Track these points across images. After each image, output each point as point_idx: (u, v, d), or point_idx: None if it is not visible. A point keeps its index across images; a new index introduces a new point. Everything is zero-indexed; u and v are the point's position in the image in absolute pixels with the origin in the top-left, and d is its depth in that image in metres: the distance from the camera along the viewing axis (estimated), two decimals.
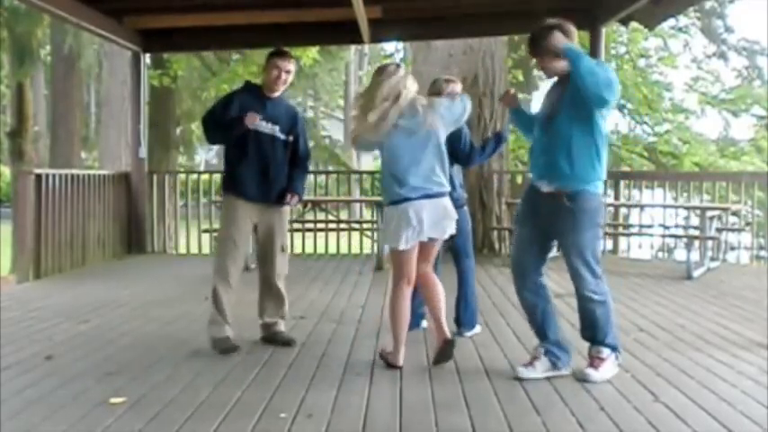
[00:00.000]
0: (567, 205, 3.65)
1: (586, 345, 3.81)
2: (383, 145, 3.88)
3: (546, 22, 3.70)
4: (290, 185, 4.46)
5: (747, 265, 9.13)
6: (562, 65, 3.62)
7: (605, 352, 3.73)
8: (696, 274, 7.17)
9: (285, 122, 4.43)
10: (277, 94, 4.45)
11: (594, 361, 3.73)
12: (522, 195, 4.12)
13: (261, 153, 4.34)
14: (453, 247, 4.64)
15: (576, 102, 3.58)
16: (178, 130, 15.04)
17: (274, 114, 4.39)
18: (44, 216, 7.11)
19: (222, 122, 4.35)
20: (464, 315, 4.69)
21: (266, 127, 4.35)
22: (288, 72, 4.39)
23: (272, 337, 4.48)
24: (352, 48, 21.21)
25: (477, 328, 4.74)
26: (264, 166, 4.36)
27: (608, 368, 3.72)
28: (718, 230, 8.19)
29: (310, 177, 17.29)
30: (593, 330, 3.78)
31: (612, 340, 3.77)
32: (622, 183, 9.48)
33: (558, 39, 3.59)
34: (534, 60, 3.84)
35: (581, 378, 3.67)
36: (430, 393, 3.51)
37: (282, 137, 4.41)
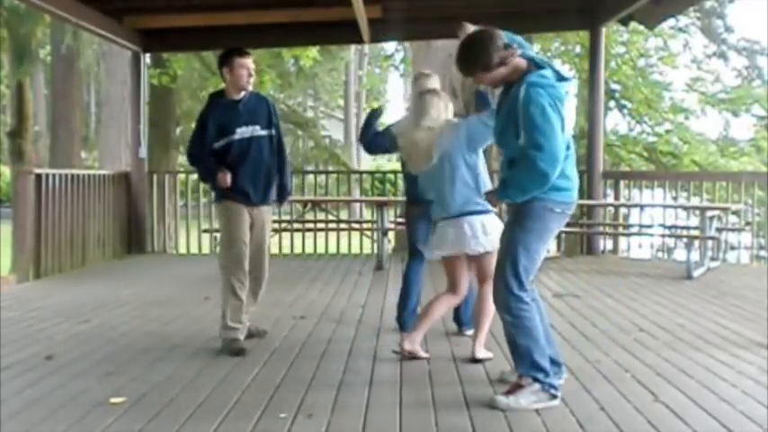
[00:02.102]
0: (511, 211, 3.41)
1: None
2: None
3: (472, 35, 3.31)
4: (282, 183, 4.55)
5: (747, 265, 9.12)
6: (499, 73, 3.24)
7: (525, 380, 3.31)
8: (696, 273, 7.17)
9: (263, 116, 4.45)
10: (244, 93, 4.44)
11: (512, 386, 3.35)
12: None
13: (247, 158, 4.36)
14: None
15: (509, 119, 3.23)
16: (178, 130, 15.01)
17: (250, 113, 4.41)
18: (44, 216, 7.11)
19: (209, 169, 4.40)
20: (464, 314, 4.69)
21: (245, 131, 4.37)
22: (252, 70, 4.43)
23: (250, 333, 4.53)
24: (352, 48, 21.23)
25: None
26: (253, 170, 4.38)
27: (526, 396, 3.27)
28: (718, 230, 8.18)
29: (310, 177, 17.37)
30: (513, 355, 3.40)
31: (534, 371, 3.29)
32: (622, 183, 9.49)
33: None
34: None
35: (490, 404, 3.30)
36: (430, 393, 3.51)
37: (264, 133, 4.44)
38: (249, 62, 4.40)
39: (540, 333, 3.34)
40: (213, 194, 4.53)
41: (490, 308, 3.83)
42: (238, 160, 4.34)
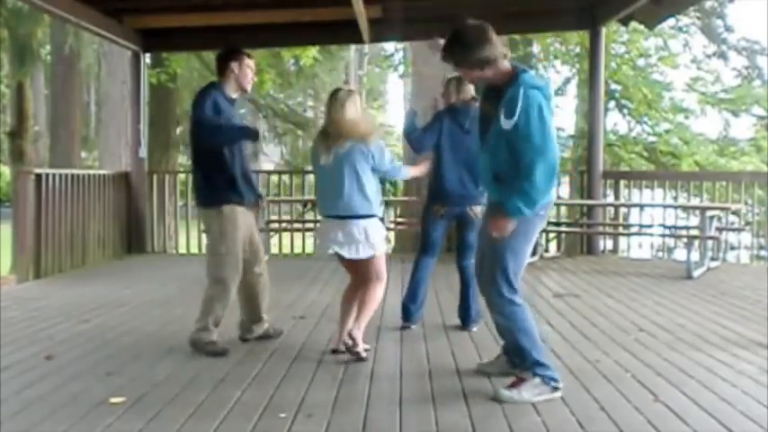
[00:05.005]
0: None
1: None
2: None
3: (465, 27, 3.32)
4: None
5: (747, 264, 9.12)
6: (485, 73, 3.30)
7: (527, 373, 3.42)
8: (696, 273, 7.17)
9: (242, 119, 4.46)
10: (238, 94, 4.45)
11: (514, 380, 3.44)
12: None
13: (242, 156, 4.36)
14: (462, 245, 4.72)
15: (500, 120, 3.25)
16: (178, 130, 15.01)
17: (239, 116, 4.41)
18: (44, 216, 7.11)
19: (234, 128, 4.28)
20: (474, 312, 4.76)
21: None
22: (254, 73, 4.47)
23: (267, 333, 4.56)
24: (352, 48, 21.22)
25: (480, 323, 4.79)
26: (245, 167, 4.38)
27: (528, 389, 3.35)
28: (718, 230, 8.18)
29: (310, 177, 17.37)
30: (512, 352, 3.55)
31: (534, 368, 3.40)
32: (622, 183, 9.48)
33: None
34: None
35: (494, 397, 3.38)
36: (430, 393, 3.51)
37: None
38: (253, 64, 4.44)
39: (535, 330, 3.45)
40: (208, 197, 4.32)
41: (372, 304, 4.13)
42: (238, 158, 4.29)
